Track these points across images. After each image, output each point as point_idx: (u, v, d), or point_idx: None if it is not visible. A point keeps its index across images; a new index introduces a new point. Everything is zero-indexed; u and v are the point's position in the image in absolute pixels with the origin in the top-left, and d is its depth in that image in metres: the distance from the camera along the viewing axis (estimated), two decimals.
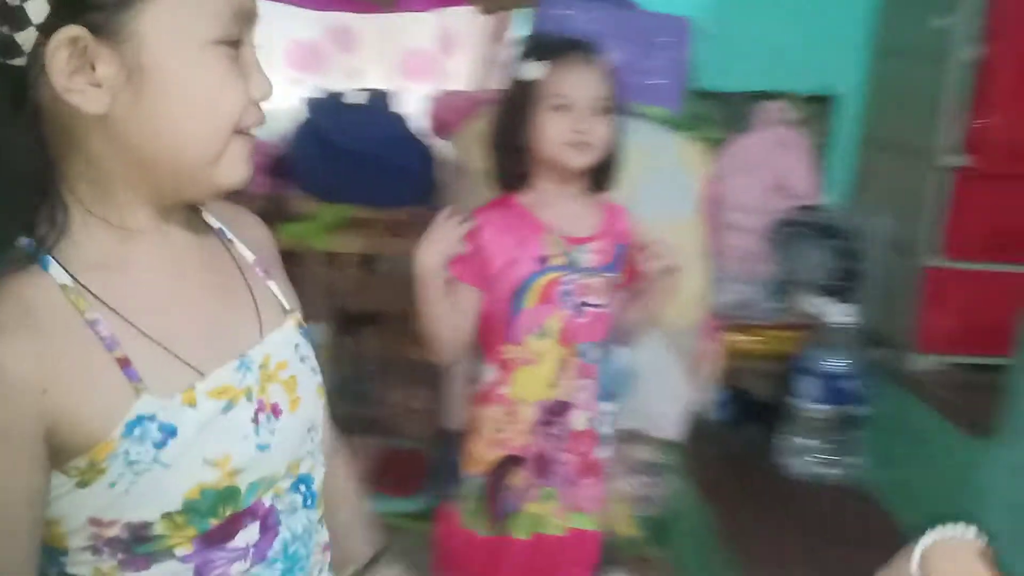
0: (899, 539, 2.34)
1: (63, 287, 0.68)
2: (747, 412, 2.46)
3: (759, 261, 2.37)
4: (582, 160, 1.43)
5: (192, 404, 0.72)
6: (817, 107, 2.49)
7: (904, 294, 2.21)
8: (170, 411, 0.70)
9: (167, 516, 0.71)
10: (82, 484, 0.69)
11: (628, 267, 1.51)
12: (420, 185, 2.18)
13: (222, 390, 0.74)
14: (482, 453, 1.50)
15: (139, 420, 0.69)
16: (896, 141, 2.30)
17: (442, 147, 2.25)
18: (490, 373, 1.49)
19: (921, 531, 2.43)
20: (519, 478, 1.49)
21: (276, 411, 0.78)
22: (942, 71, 2.08)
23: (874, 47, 2.40)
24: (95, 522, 0.70)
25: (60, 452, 0.68)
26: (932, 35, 2.12)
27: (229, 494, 0.74)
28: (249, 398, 0.76)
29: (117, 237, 0.72)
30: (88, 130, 0.68)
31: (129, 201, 0.72)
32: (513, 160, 1.46)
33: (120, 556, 0.72)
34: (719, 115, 2.42)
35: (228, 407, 0.74)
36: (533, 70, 1.43)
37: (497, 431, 1.49)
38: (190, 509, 0.72)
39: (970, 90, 2.03)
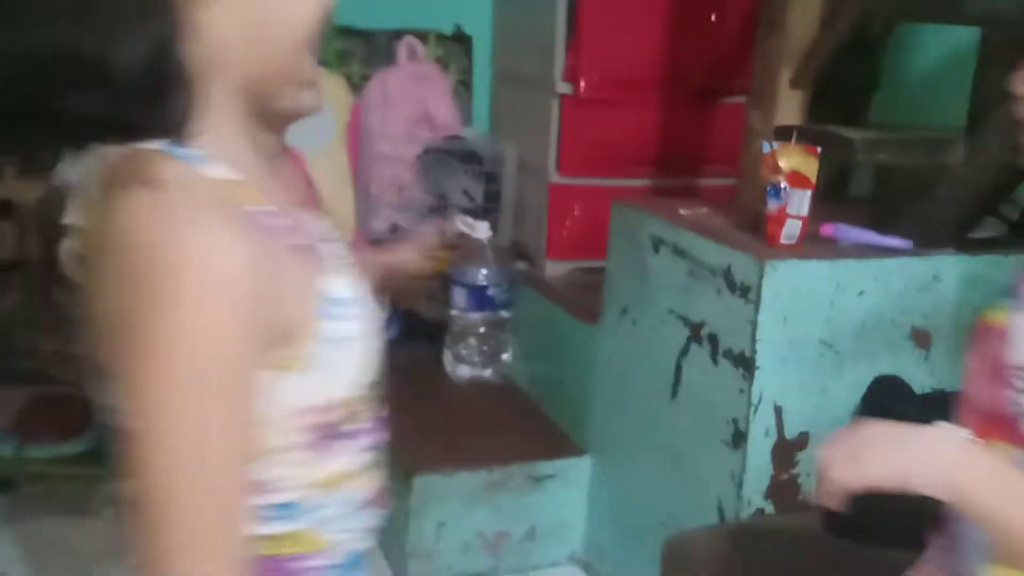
0: (542, 419, 2.63)
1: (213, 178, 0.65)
2: (415, 329, 2.65)
3: (410, 188, 2.55)
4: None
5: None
6: (458, 45, 2.70)
7: (536, 210, 2.50)
8: (348, 287, 0.73)
9: (358, 391, 0.74)
10: (288, 371, 0.67)
11: None
12: None
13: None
14: None
15: (332, 299, 0.70)
16: (521, 74, 2.57)
17: None
18: None
19: (557, 409, 2.70)
20: None
21: None
22: (550, 9, 2.35)
23: None
24: (297, 412, 0.69)
25: (267, 346, 0.65)
26: None
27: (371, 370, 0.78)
28: None
29: (230, 133, 0.69)
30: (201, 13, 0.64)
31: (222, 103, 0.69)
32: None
33: (315, 444, 0.71)
34: (362, 52, 2.55)
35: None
36: None
37: None
38: (368, 383, 0.76)
39: (571, 26, 2.32)
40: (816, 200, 1.67)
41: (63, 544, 2.06)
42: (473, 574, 2.14)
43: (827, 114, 2.28)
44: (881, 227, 1.74)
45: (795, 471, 1.70)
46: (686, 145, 2.40)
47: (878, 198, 1.88)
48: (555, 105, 2.38)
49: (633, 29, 2.29)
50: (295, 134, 2.09)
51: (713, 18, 2.33)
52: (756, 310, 1.60)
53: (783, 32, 1.71)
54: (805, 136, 1.65)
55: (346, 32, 2.53)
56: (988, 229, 1.86)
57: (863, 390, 1.68)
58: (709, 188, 2.40)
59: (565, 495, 2.18)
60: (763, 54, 1.77)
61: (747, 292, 1.62)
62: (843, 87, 2.29)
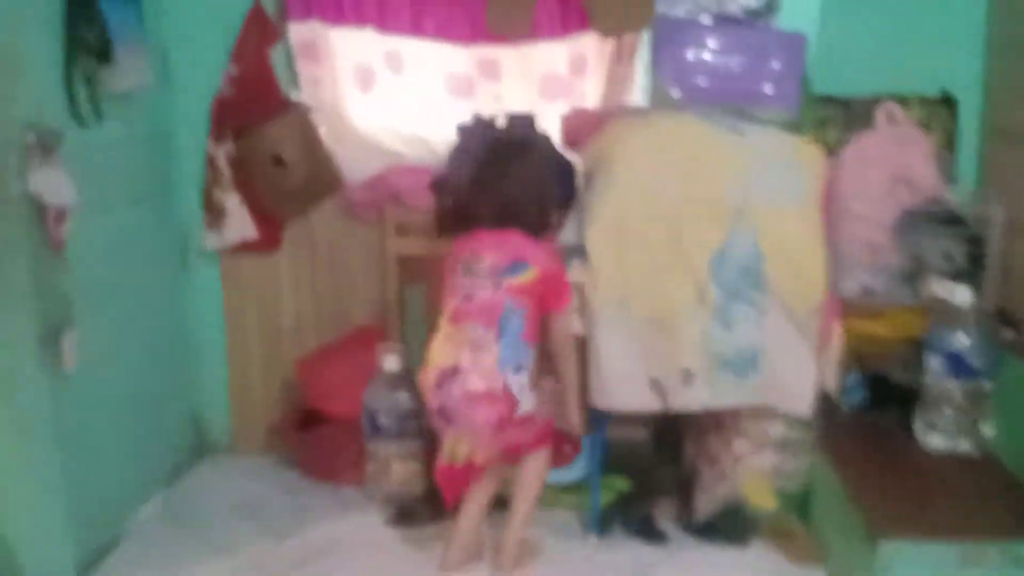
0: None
1: None
2: (882, 395, 2.59)
3: (884, 250, 2.54)
4: None
5: None
6: (942, 107, 2.64)
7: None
8: None
9: None
10: None
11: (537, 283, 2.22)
12: (564, 191, 2.52)
13: None
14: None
15: None
16: (1019, 132, 2.41)
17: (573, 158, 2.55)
18: None
19: None
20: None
21: None
22: None
23: (989, 45, 2.54)
24: None
25: None
26: None
27: None
28: None
29: None
30: None
31: None
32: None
33: None
34: (840, 118, 2.63)
35: None
36: None
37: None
38: None
39: None
40: None
41: None
42: None
43: None
44: None
45: None
46: None
47: None
48: None
49: None
50: (765, 195, 2.23)
51: None
52: None
53: None
54: None
55: (826, 100, 2.64)
56: None
57: None
58: None
59: None
60: None
61: None
62: None
